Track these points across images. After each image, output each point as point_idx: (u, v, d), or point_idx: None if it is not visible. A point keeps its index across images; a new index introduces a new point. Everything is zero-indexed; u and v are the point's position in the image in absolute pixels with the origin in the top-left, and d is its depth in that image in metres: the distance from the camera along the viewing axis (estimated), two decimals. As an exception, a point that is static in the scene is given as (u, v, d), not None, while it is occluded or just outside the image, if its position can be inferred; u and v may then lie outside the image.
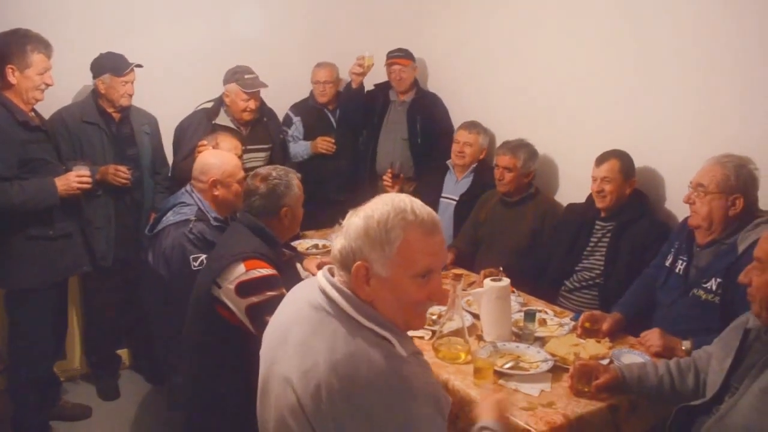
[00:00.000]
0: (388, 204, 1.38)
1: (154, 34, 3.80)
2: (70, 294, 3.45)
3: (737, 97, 2.74)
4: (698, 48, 2.86)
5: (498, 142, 3.58)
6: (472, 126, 3.83)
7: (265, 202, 2.34)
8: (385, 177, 3.91)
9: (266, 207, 2.34)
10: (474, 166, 3.83)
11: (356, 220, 1.38)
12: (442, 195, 3.91)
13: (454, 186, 3.89)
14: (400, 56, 4.13)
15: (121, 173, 3.29)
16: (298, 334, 1.41)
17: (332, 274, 1.45)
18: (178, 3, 3.89)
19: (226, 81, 3.72)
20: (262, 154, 3.89)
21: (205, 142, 3.34)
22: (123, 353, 3.87)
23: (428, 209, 1.41)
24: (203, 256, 2.53)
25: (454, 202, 3.83)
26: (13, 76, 2.83)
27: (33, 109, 2.98)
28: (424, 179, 4.10)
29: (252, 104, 3.69)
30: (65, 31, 3.41)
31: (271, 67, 3.91)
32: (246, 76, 3.67)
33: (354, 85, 4.09)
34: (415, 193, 3.94)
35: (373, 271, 1.36)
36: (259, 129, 3.88)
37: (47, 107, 3.22)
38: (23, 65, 2.83)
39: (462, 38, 4.22)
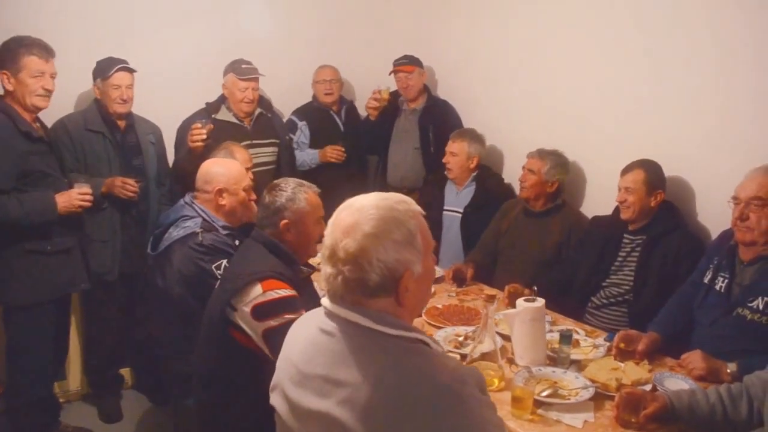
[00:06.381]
0: (372, 206, 1.28)
1: (156, 40, 3.73)
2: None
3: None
4: (738, 59, 2.71)
5: (515, 152, 3.43)
6: (459, 135, 3.70)
7: (266, 212, 2.22)
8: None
9: (267, 218, 2.21)
10: (474, 174, 3.70)
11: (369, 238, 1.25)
12: (445, 208, 3.77)
13: (456, 197, 3.74)
14: (404, 63, 4.03)
15: (129, 186, 3.18)
16: (321, 365, 1.29)
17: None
18: (182, 9, 3.82)
19: (224, 74, 3.64)
20: (270, 149, 3.77)
21: (198, 125, 3.23)
22: (125, 372, 3.73)
23: None
24: (224, 261, 2.40)
25: (459, 215, 3.69)
26: (8, 83, 2.77)
27: (38, 119, 2.89)
28: (424, 193, 3.92)
29: (249, 94, 3.59)
30: (66, 37, 3.30)
31: (278, 73, 3.85)
32: (243, 66, 3.59)
33: (372, 118, 4.02)
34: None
35: (415, 274, 1.28)
36: (263, 122, 3.77)
37: (49, 115, 3.10)
38: (15, 69, 2.77)
39: (474, 45, 4.11)
